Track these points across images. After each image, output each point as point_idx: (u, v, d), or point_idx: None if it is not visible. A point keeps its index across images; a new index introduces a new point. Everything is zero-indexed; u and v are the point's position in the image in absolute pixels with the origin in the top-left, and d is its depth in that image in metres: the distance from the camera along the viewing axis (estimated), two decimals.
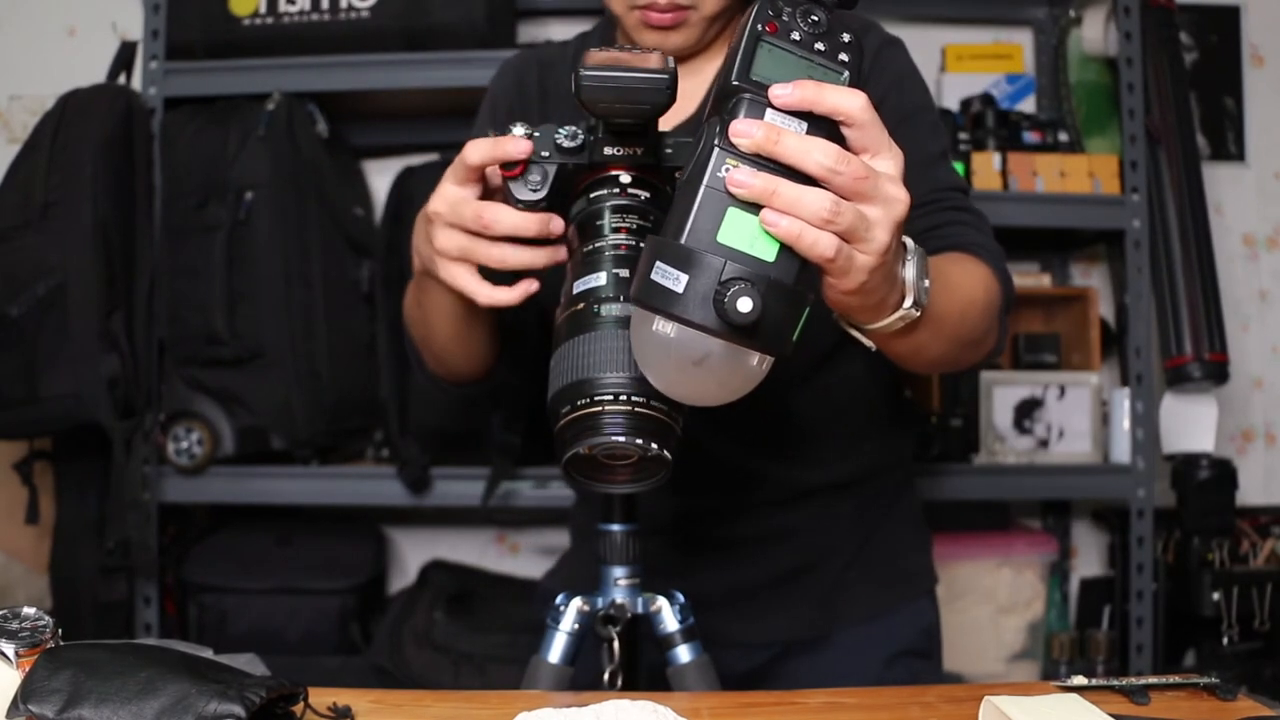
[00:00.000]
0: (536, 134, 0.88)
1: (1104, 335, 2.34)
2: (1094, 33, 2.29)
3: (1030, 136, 2.25)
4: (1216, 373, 2.13)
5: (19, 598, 2.06)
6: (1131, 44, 2.18)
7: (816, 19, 0.73)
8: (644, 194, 0.86)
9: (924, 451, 2.13)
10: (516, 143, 0.86)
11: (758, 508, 1.17)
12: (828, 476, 1.18)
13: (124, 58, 2.11)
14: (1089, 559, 2.52)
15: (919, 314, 0.82)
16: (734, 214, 0.69)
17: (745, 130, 0.70)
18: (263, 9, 2.08)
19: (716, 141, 0.70)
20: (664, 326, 0.70)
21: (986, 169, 2.17)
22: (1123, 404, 2.19)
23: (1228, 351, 2.15)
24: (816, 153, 0.70)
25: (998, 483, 2.21)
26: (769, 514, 1.17)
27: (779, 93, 0.71)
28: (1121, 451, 2.19)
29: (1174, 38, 2.25)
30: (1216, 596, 2.12)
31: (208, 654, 0.78)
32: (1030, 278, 2.41)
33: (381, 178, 2.37)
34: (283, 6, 2.07)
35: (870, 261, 0.73)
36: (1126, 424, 2.17)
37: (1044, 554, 2.29)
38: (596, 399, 0.75)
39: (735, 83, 0.71)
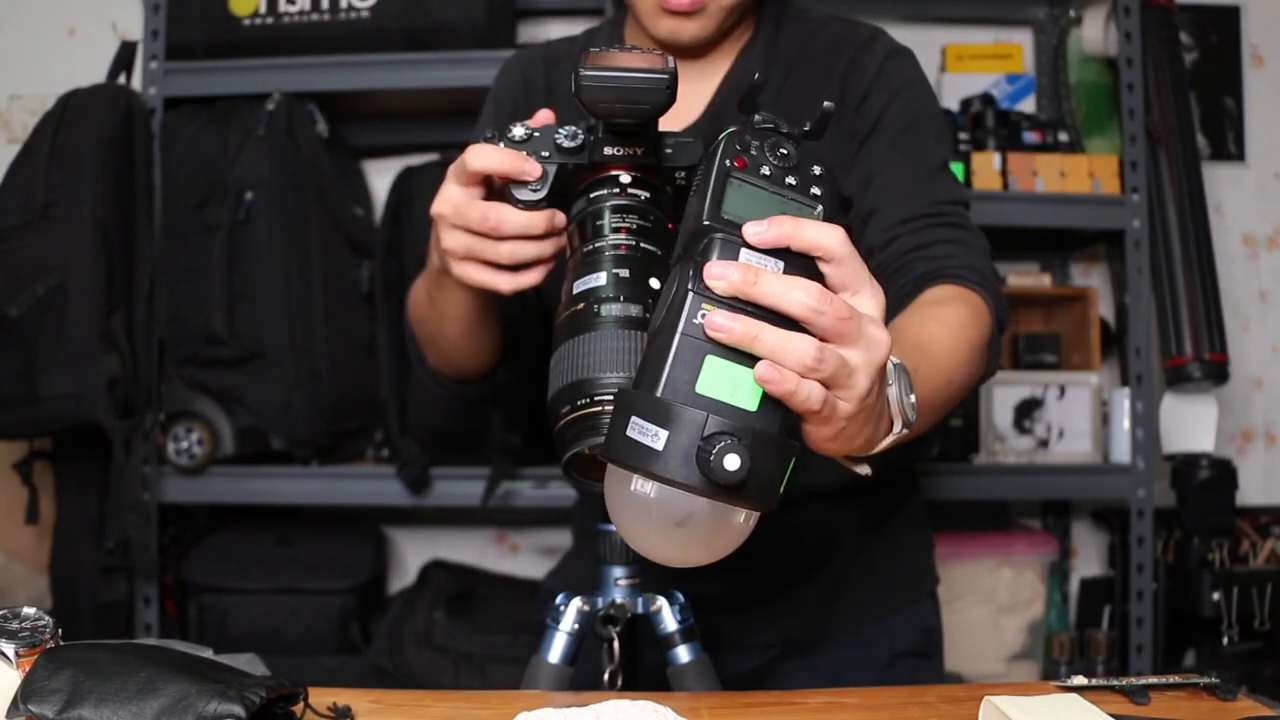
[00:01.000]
0: (536, 134, 0.88)
1: (1104, 335, 2.34)
2: (1094, 33, 2.29)
3: (1030, 136, 2.25)
4: (1216, 373, 2.14)
5: (19, 598, 2.05)
6: (1131, 44, 2.19)
7: (785, 152, 0.70)
8: (644, 194, 0.86)
9: (924, 451, 2.13)
10: (530, 164, 0.86)
11: None
12: (831, 480, 1.18)
13: (124, 58, 2.11)
14: (1089, 559, 2.52)
15: (908, 431, 0.78)
16: (712, 362, 0.65)
17: (721, 273, 0.65)
18: (263, 9, 2.08)
19: (690, 286, 0.66)
20: (643, 486, 0.66)
21: (986, 169, 2.18)
22: (1123, 404, 2.19)
23: (1228, 351, 2.15)
24: (798, 292, 0.66)
25: (998, 483, 2.22)
26: (770, 516, 1.17)
27: (754, 230, 0.67)
28: (1121, 451, 2.19)
29: (1174, 38, 2.25)
30: (1216, 596, 2.12)
31: (208, 654, 0.78)
32: (1030, 278, 2.41)
33: (381, 178, 2.37)
34: (283, 6, 2.07)
35: (850, 409, 0.69)
36: (1126, 424, 2.17)
37: (1044, 554, 2.29)
38: (596, 399, 0.75)
39: (706, 223, 0.67)
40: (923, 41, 2.51)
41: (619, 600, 0.93)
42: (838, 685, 1.01)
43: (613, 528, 0.93)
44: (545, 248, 0.89)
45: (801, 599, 1.18)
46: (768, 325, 0.65)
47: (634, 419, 0.65)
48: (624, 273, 0.80)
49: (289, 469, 2.10)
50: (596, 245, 0.83)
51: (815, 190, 0.71)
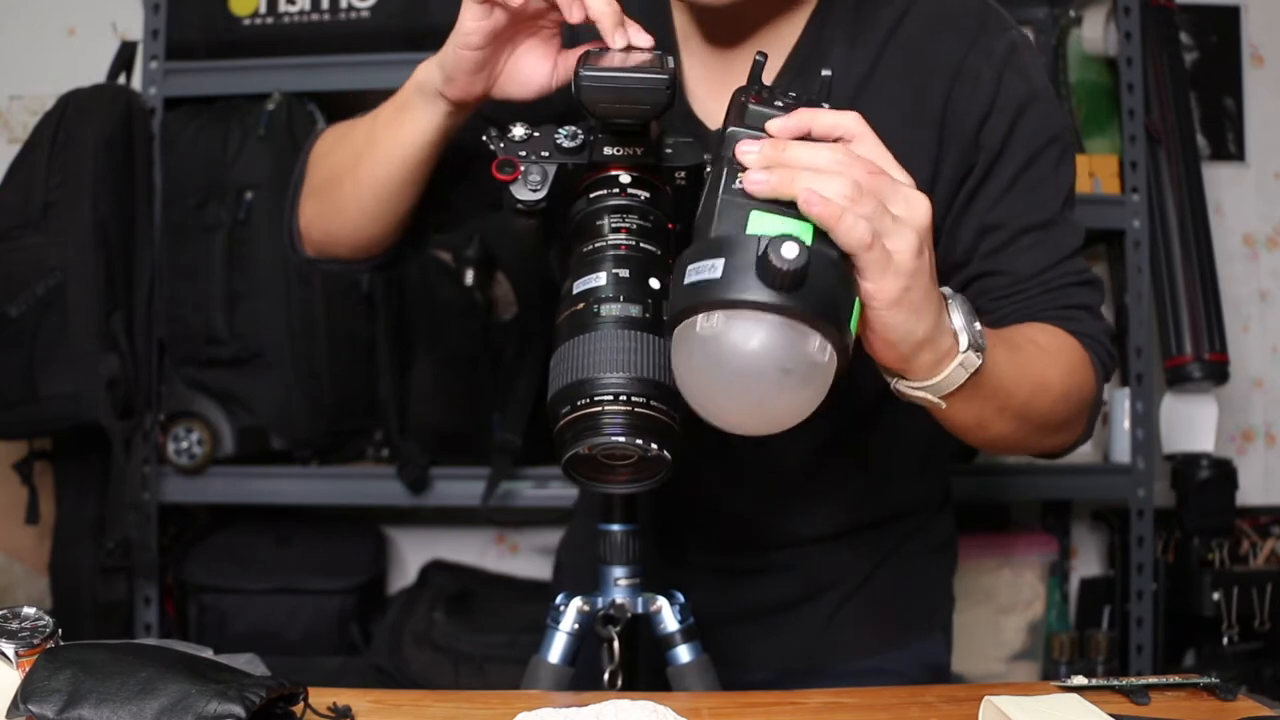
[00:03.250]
0: (536, 134, 0.88)
1: None
2: (1094, 32, 2.29)
3: None
4: (1216, 373, 2.13)
5: (19, 598, 2.05)
6: (1131, 44, 2.18)
7: (794, 94, 0.75)
8: (644, 194, 0.86)
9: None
10: None
11: (761, 550, 1.14)
12: (835, 526, 1.13)
13: (124, 58, 2.11)
14: (1089, 559, 2.52)
15: (981, 360, 0.77)
16: (758, 214, 0.68)
17: (750, 148, 0.69)
18: (263, 9, 2.07)
19: (724, 166, 0.70)
20: (707, 321, 0.66)
21: None
22: (1123, 404, 2.19)
23: (1228, 351, 2.15)
24: (824, 152, 0.69)
25: (998, 483, 2.21)
26: (772, 552, 1.14)
27: (775, 123, 0.71)
28: (1121, 451, 2.19)
29: (1174, 37, 2.25)
30: (1216, 596, 2.11)
31: (208, 654, 0.78)
32: None
33: None
34: (283, 6, 2.07)
35: (907, 261, 0.69)
36: (1126, 424, 2.17)
37: (1044, 554, 2.29)
38: (596, 399, 0.75)
39: (729, 130, 0.72)
40: None
41: (619, 600, 0.93)
42: None
43: (614, 528, 0.93)
44: None
45: (799, 627, 1.14)
46: (801, 169, 0.68)
47: (690, 265, 0.66)
48: (624, 273, 0.80)
49: (289, 469, 2.10)
50: (596, 245, 0.83)
51: (823, 104, 0.75)
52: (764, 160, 0.69)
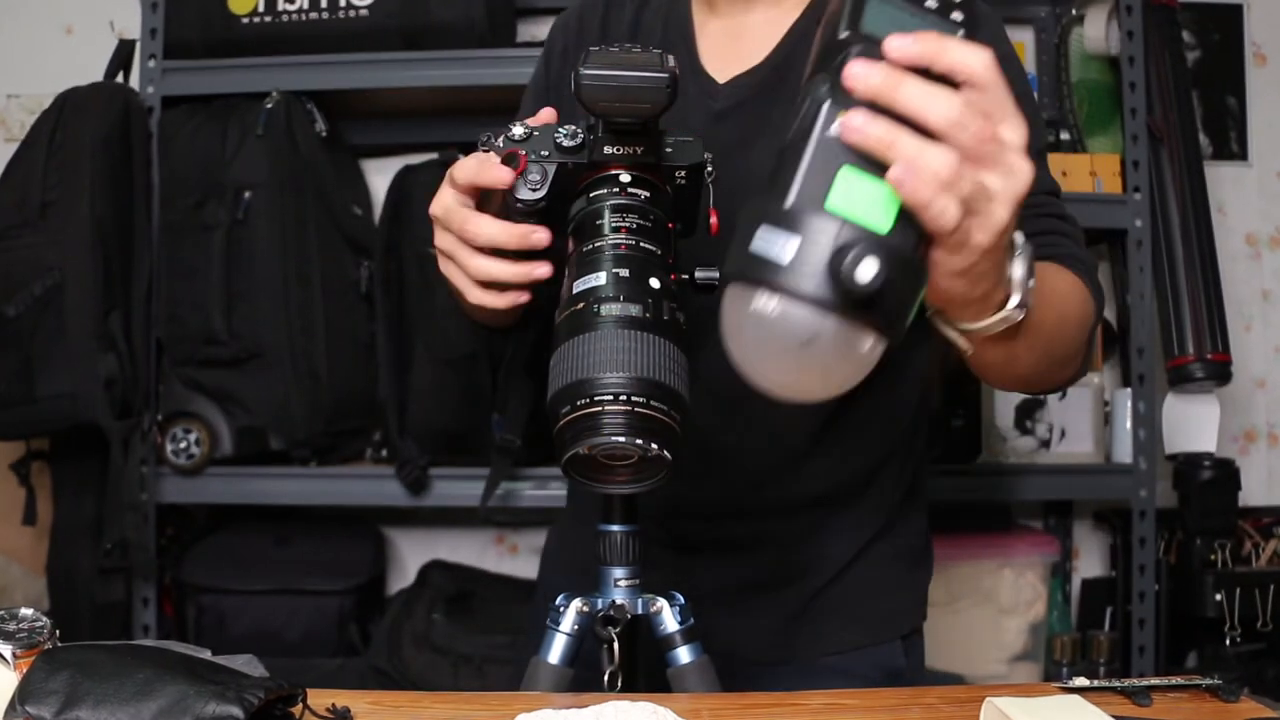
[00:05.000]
0: (536, 133, 0.88)
1: (1106, 335, 2.34)
2: (1096, 31, 2.29)
3: None
4: (1219, 373, 2.13)
5: (16, 599, 2.05)
6: (1133, 42, 2.18)
7: None
8: (644, 193, 0.86)
9: (926, 452, 2.13)
10: (499, 172, 0.86)
11: (730, 515, 1.13)
12: (824, 487, 1.13)
13: (122, 56, 2.11)
14: (1091, 560, 2.51)
15: (1021, 317, 0.75)
16: (846, 174, 0.62)
17: (862, 72, 0.62)
18: (261, 8, 2.07)
19: (828, 95, 0.63)
20: (767, 302, 0.62)
21: None
22: (1125, 404, 2.18)
23: (1230, 351, 2.15)
24: (942, 102, 0.62)
25: (999, 483, 2.21)
26: (739, 521, 1.13)
27: (896, 44, 0.63)
28: (1123, 452, 2.19)
29: (1176, 36, 2.25)
30: (1219, 597, 2.11)
31: (206, 655, 0.78)
32: None
33: (380, 177, 2.36)
34: (281, 5, 2.07)
35: (986, 241, 0.66)
36: (1128, 424, 2.17)
37: (1045, 555, 2.28)
38: (596, 399, 0.75)
39: (844, 35, 0.64)
40: None
41: (619, 601, 0.93)
42: None
43: (614, 528, 0.93)
44: (506, 270, 0.87)
45: (770, 613, 1.13)
46: (906, 131, 0.62)
47: (760, 230, 0.62)
48: (624, 272, 0.80)
49: (287, 469, 2.10)
50: (596, 245, 0.82)
51: (956, 15, 0.66)
52: (871, 91, 0.62)
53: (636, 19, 1.15)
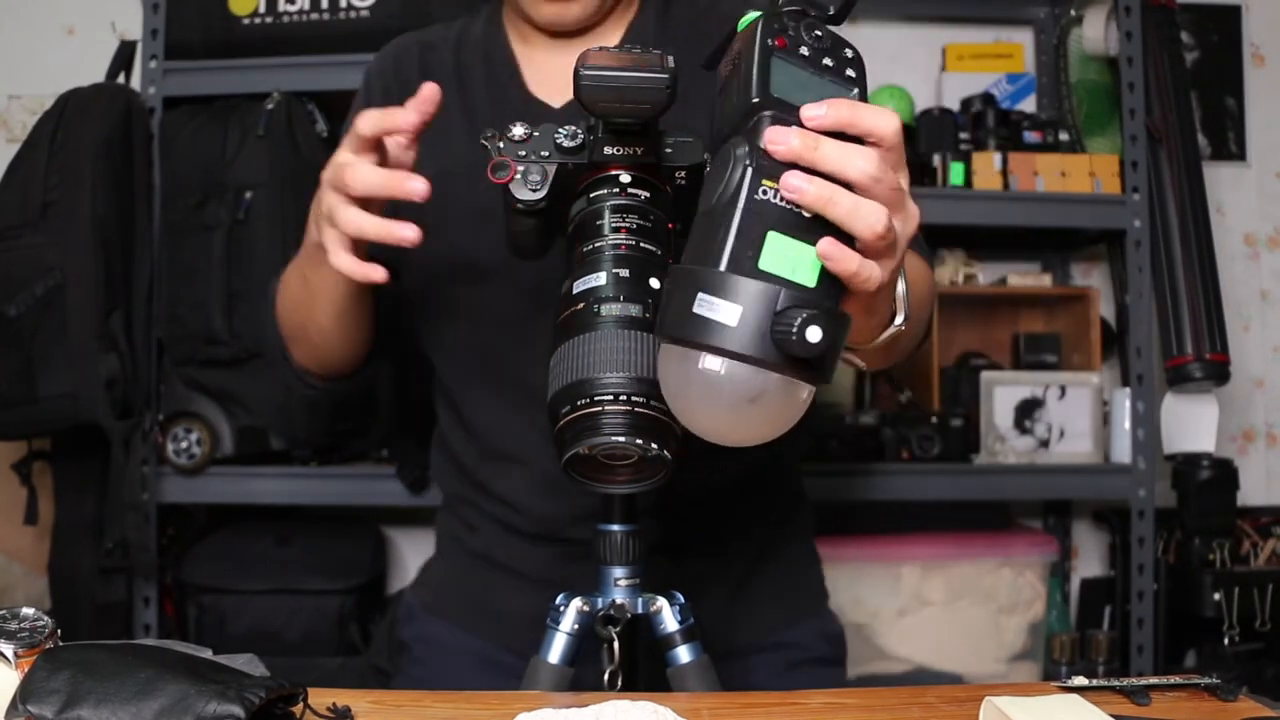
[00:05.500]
0: (536, 133, 0.88)
1: (1105, 335, 2.34)
2: (1095, 32, 2.29)
3: (1031, 136, 2.25)
4: (1217, 373, 2.13)
5: (18, 598, 2.05)
6: (1132, 43, 2.18)
7: (820, 34, 0.71)
8: (644, 194, 0.86)
9: (925, 452, 2.13)
10: (405, 114, 0.86)
11: (665, 509, 1.12)
12: (718, 479, 1.14)
13: (123, 57, 2.11)
14: (1090, 559, 2.52)
15: (904, 324, 0.80)
16: (774, 238, 0.65)
17: (782, 138, 0.66)
18: (262, 8, 2.07)
19: (748, 161, 0.66)
20: (713, 363, 0.65)
21: (987, 169, 2.17)
22: (1123, 404, 2.19)
23: (1229, 351, 2.15)
24: (859, 159, 0.66)
25: (998, 483, 2.21)
26: (677, 514, 1.13)
27: (813, 113, 0.67)
28: (1122, 451, 2.19)
29: (1175, 37, 2.25)
30: (1217, 597, 2.11)
31: (207, 654, 0.78)
32: (1031, 277, 2.41)
33: None
34: (282, 6, 2.07)
35: (888, 279, 0.70)
36: (1127, 424, 2.17)
37: (1045, 554, 2.29)
38: (596, 399, 0.75)
39: (757, 100, 0.68)
40: (924, 41, 2.52)
41: (619, 600, 0.93)
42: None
43: (614, 528, 0.93)
44: (366, 223, 0.86)
45: (709, 606, 1.11)
46: (841, 189, 0.66)
47: (701, 295, 0.65)
48: (624, 272, 0.80)
49: (288, 469, 2.10)
50: (596, 245, 0.83)
51: (850, 72, 0.71)
52: (792, 154, 0.66)
53: (456, 58, 1.20)
